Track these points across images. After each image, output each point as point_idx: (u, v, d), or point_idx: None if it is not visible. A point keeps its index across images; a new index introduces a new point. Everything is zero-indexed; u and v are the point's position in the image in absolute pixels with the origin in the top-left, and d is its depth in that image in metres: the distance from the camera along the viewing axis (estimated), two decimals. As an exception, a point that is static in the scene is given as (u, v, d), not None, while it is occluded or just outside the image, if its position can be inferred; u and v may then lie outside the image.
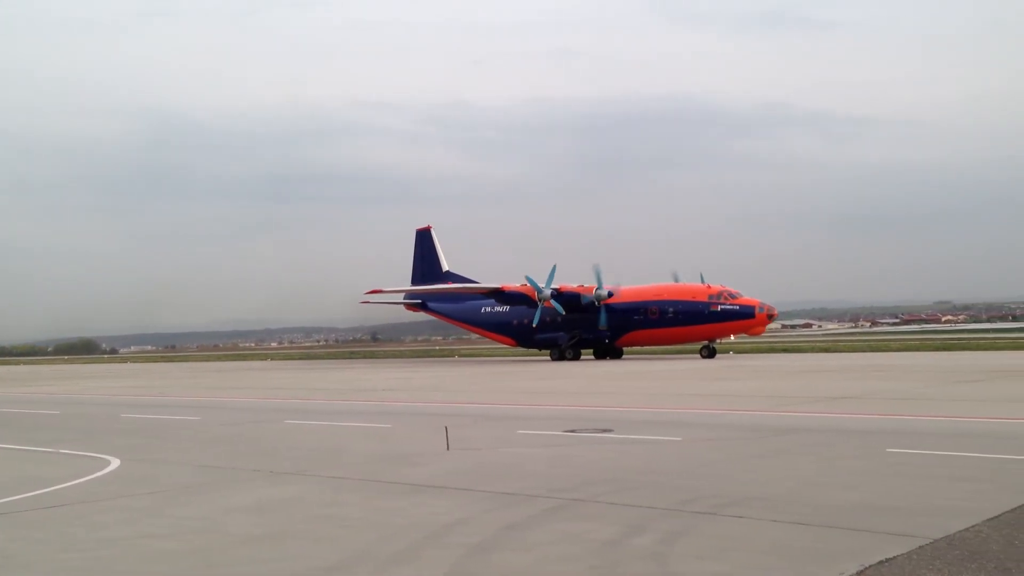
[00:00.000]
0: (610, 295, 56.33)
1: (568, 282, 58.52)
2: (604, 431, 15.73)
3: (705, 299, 54.68)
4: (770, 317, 56.25)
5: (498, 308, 63.16)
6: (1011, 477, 10.02)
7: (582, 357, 58.29)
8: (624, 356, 59.18)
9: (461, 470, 11.83)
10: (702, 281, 57.00)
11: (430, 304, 69.26)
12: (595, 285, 56.64)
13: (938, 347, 57.56)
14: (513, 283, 59.07)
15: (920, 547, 7.03)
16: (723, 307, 54.17)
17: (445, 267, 69.25)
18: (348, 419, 20.01)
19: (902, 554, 6.83)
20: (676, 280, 58.30)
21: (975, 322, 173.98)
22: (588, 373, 39.75)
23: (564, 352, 57.44)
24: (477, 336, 73.08)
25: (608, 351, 58.73)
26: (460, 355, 78.51)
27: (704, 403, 21.55)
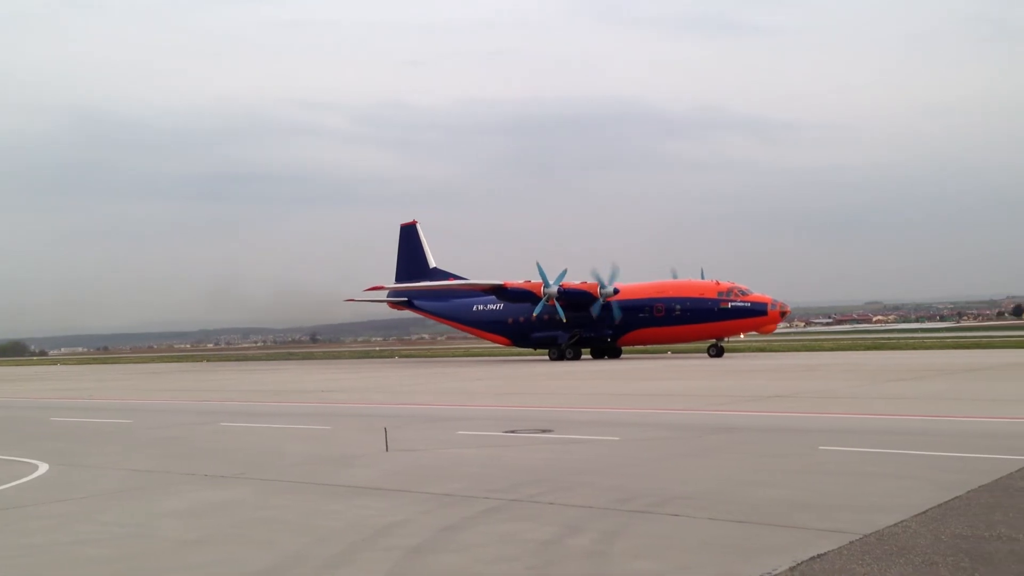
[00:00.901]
0: (616, 292, 53.85)
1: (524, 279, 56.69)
2: (544, 431, 15.77)
3: (714, 296, 52.20)
4: (783, 314, 54.19)
5: (491, 306, 60.09)
6: (938, 473, 10.28)
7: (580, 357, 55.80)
8: (626, 356, 56.96)
9: (399, 471, 11.76)
10: (702, 277, 55.04)
11: (416, 302, 66.12)
12: (597, 283, 53.96)
13: (869, 347, 58.91)
14: (511, 280, 55.91)
15: (850, 543, 7.17)
16: (734, 304, 51.67)
17: (432, 264, 65.79)
18: (285, 421, 19.76)
19: (833, 550, 6.96)
20: (675, 276, 56.11)
21: (904, 322, 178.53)
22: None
23: (564, 351, 54.74)
24: (466, 335, 69.74)
25: (607, 350, 56.44)
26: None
27: (643, 403, 21.75)
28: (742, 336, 59.99)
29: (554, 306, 53.58)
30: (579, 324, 54.52)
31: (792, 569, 6.50)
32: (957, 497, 8.79)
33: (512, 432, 15.78)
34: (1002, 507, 8.27)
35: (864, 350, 54.87)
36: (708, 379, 30.78)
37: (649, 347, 59.62)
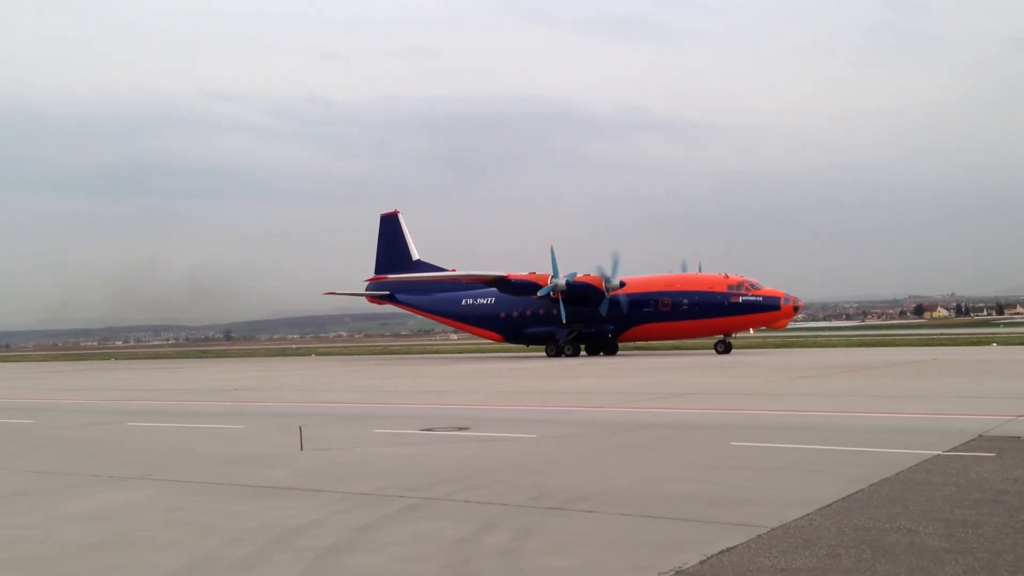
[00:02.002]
0: (621, 285, 51.71)
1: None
2: (461, 429, 15.75)
3: (724, 290, 50.11)
4: (796, 309, 52.25)
5: (481, 300, 57.66)
6: (844, 467, 10.60)
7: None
8: (625, 353, 55.00)
9: (314, 471, 11.61)
10: (700, 270, 53.53)
11: (400, 296, 63.22)
12: (601, 276, 51.41)
13: (778, 344, 60.49)
14: (513, 272, 53.30)
15: (759, 536, 7.34)
16: (744, 298, 49.56)
17: (415, 256, 62.94)
18: (197, 420, 19.31)
19: (742, 543, 7.12)
20: (684, 269, 54.03)
21: (812, 320, 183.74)
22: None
23: (563, 348, 52.71)
24: (454, 331, 67.96)
25: (603, 347, 54.49)
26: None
27: (562, 400, 21.90)
28: (751, 332, 58.01)
29: (557, 300, 51.21)
30: (579, 319, 52.35)
31: (702, 563, 6.62)
32: (860, 490, 9.07)
33: (429, 430, 15.73)
34: (902, 500, 8.57)
35: (774, 348, 56.30)
36: (617, 377, 31.19)
37: (651, 344, 57.40)
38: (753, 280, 50.45)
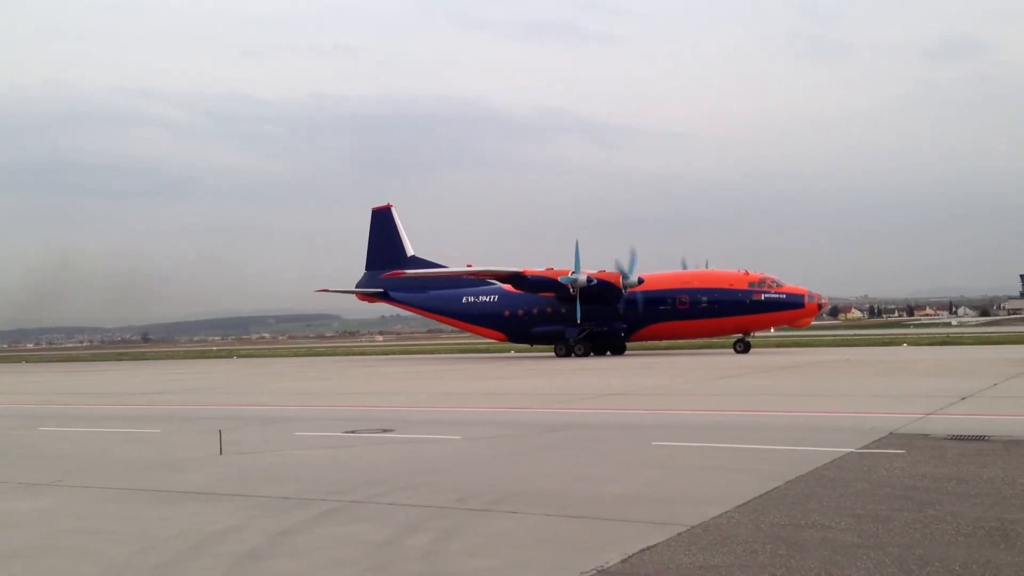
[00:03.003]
0: (640, 282, 49.77)
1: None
2: (385, 431, 15.64)
3: (745, 287, 48.37)
4: (819, 307, 50.51)
5: (483, 297, 55.41)
6: (761, 465, 10.83)
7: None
8: (637, 353, 53.10)
9: (234, 475, 11.40)
10: (706, 267, 52.11)
11: (394, 294, 60.07)
12: (619, 272, 49.43)
13: (699, 346, 61.53)
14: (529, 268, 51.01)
15: (679, 534, 7.46)
16: (767, 296, 47.83)
17: (410, 252, 60.29)
18: (112, 424, 18.77)
19: (662, 541, 7.22)
20: (684, 267, 52.59)
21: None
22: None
23: (573, 347, 50.47)
24: (455, 329, 64.22)
25: (610, 346, 52.33)
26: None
27: (487, 401, 21.92)
28: (771, 330, 56.69)
29: (574, 297, 49.16)
30: (590, 317, 50.17)
31: (623, 562, 6.69)
32: (777, 488, 9.28)
33: (352, 432, 15.58)
34: (816, 496, 8.79)
35: (696, 349, 57.26)
36: (542, 378, 31.36)
37: (669, 344, 55.64)
38: (774, 276, 48.88)
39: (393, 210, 61.39)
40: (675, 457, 11.82)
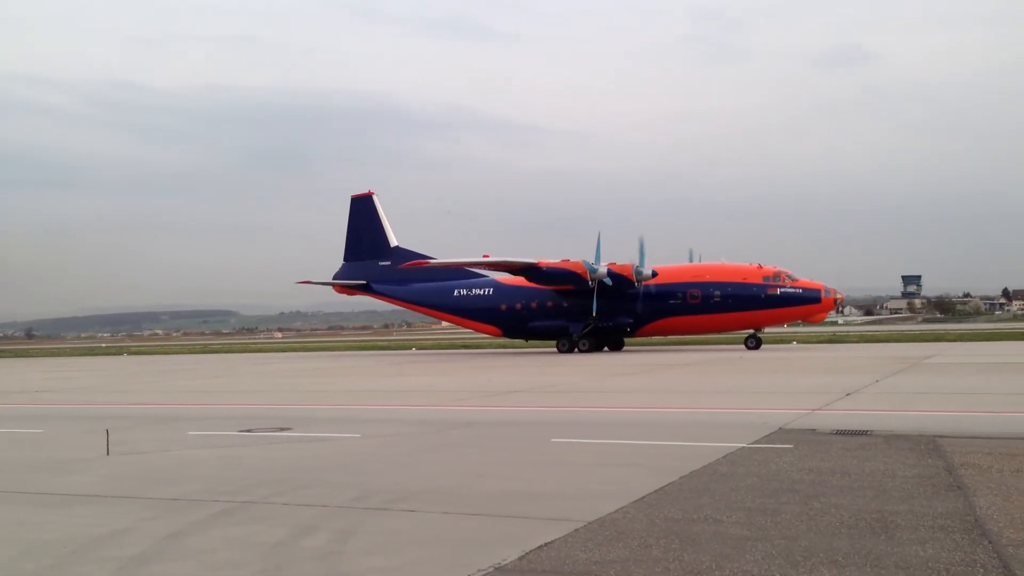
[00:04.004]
0: (654, 275, 47.86)
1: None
2: (282, 430, 15.36)
3: (759, 281, 46.67)
4: (836, 302, 49.15)
5: (476, 290, 52.81)
6: (657, 460, 11.04)
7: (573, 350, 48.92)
8: (635, 348, 51.07)
9: (122, 476, 11.01)
10: (691, 259, 50.89)
11: (376, 286, 56.64)
12: (631, 264, 47.38)
13: (702, 341, 61.91)
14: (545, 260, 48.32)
15: (575, 530, 7.53)
16: (783, 290, 46.22)
17: (394, 242, 56.79)
18: (-9, 425, 17.91)
19: (559, 538, 7.28)
20: (691, 259, 50.73)
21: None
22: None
23: (577, 343, 48.56)
24: (448, 324, 60.59)
25: (608, 342, 50.35)
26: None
27: (387, 399, 21.74)
28: (784, 326, 54.14)
29: (591, 291, 47.08)
30: (593, 311, 48.12)
31: (521, 558, 6.73)
32: (671, 483, 9.48)
33: (248, 431, 15.24)
34: (709, 491, 9.01)
35: (699, 346, 57.88)
36: (441, 376, 31.32)
37: (677, 339, 53.66)
38: (788, 271, 47.36)
39: (375, 198, 58.09)
40: (574, 454, 11.95)
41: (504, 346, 59.68)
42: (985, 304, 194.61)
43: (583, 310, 48.47)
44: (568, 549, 6.96)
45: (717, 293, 47.07)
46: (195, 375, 36.49)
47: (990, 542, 6.83)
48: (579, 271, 47.00)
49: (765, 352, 43.07)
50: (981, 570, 6.17)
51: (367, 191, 58.35)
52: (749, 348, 45.82)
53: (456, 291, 53.75)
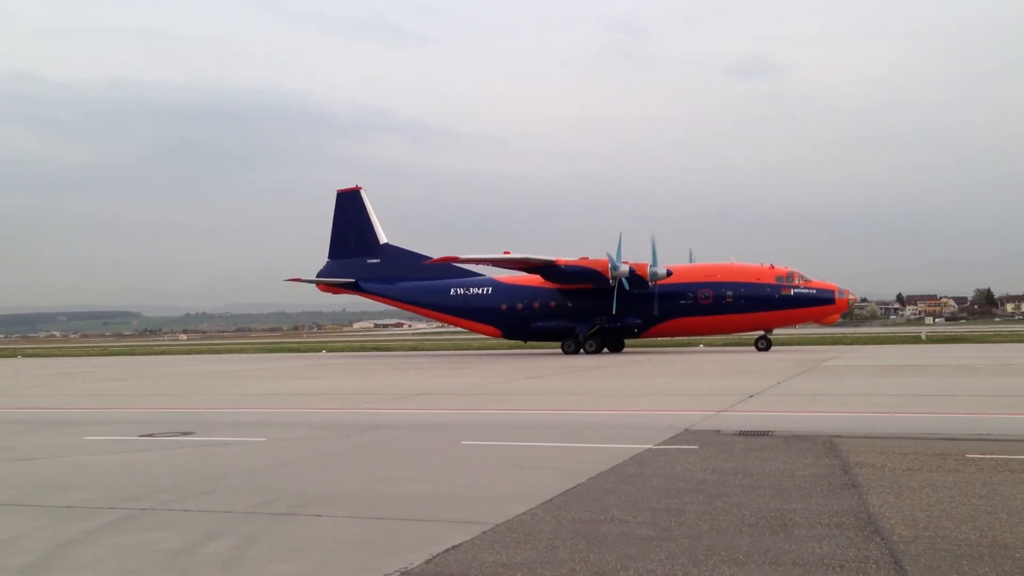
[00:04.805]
0: (669, 274, 46.79)
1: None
2: (185, 434, 14.97)
3: (772, 281, 45.96)
4: (849, 303, 48.55)
5: (475, 289, 51.05)
6: (566, 462, 11.12)
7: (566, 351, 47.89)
8: (634, 350, 49.89)
9: (12, 484, 10.56)
10: (691, 259, 49.92)
11: (365, 284, 54.67)
12: (647, 263, 46.30)
13: (455, 346, 62.47)
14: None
15: (483, 533, 7.53)
16: (796, 291, 45.60)
17: (383, 239, 54.92)
18: None
19: (467, 541, 7.27)
20: (691, 260, 49.81)
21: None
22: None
23: (583, 344, 47.19)
24: (438, 324, 58.75)
25: (608, 343, 48.87)
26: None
27: (294, 402, 21.40)
28: (795, 327, 52.87)
29: (611, 290, 45.81)
30: (601, 312, 47.12)
31: (427, 562, 6.70)
32: (579, 484, 9.56)
33: (148, 436, 14.81)
34: (616, 492, 9.12)
35: (506, 351, 58.24)
36: (352, 379, 31.00)
37: (684, 340, 52.75)
38: (800, 271, 46.83)
39: (363, 193, 56.01)
40: (483, 456, 11.96)
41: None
42: (881, 309, 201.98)
43: (590, 310, 47.45)
44: (475, 552, 6.95)
45: (729, 293, 46.26)
46: (94, 378, 35.29)
47: (882, 538, 7.09)
48: (601, 269, 45.76)
49: (672, 355, 43.85)
50: (874, 566, 6.39)
51: (354, 186, 56.44)
52: (760, 350, 45.22)
53: (453, 290, 52.05)
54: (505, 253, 46.96)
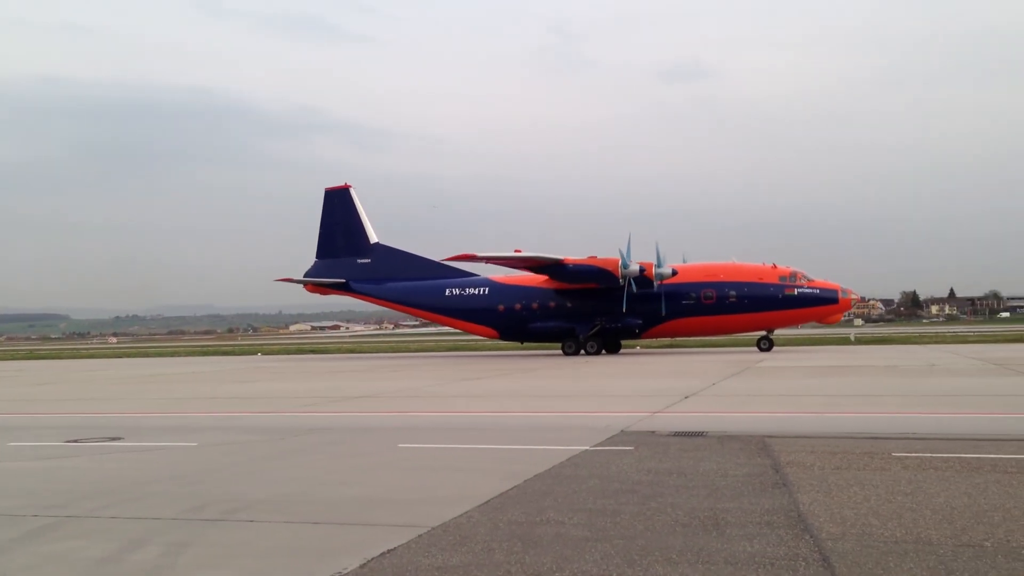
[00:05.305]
0: (674, 273, 46.03)
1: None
2: (113, 439, 14.61)
3: (775, 281, 45.62)
4: (852, 303, 48.65)
5: (471, 290, 49.89)
6: (503, 464, 11.12)
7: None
8: (639, 350, 49.38)
9: (-70, 492, 10.19)
10: (684, 262, 48.84)
11: (356, 285, 53.17)
12: (652, 263, 45.55)
13: (450, 348, 62.58)
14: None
15: (419, 536, 7.49)
16: (800, 291, 45.31)
17: (374, 238, 53.48)
18: None
19: (402, 544, 7.22)
20: (684, 261, 48.68)
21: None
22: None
23: (584, 344, 46.51)
24: (438, 325, 56.48)
25: (605, 344, 47.84)
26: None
27: (227, 406, 21.04)
28: (798, 327, 52.24)
29: (622, 287, 44.87)
30: (601, 312, 46.62)
31: (362, 567, 6.63)
32: (516, 486, 9.56)
33: (75, 442, 14.41)
34: (552, 494, 9.14)
35: (446, 350, 58.10)
36: (292, 381, 30.64)
37: (685, 341, 52.04)
38: (803, 271, 46.54)
39: (352, 191, 54.46)
40: (420, 459, 11.89)
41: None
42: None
43: (591, 310, 46.90)
44: (411, 555, 6.91)
45: (732, 293, 45.87)
46: (18, 382, 34.26)
47: (811, 536, 7.22)
48: (611, 268, 45.06)
49: (610, 357, 44.16)
50: (803, 563, 6.51)
51: (343, 184, 54.82)
52: (762, 350, 45.03)
53: (448, 290, 50.87)
54: (516, 251, 46.25)
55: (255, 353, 65.28)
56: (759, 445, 12.14)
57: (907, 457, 10.87)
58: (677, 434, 13.48)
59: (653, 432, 13.78)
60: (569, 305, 47.44)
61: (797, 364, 32.57)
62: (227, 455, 12.72)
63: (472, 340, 64.43)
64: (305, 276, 54.61)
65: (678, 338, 50.05)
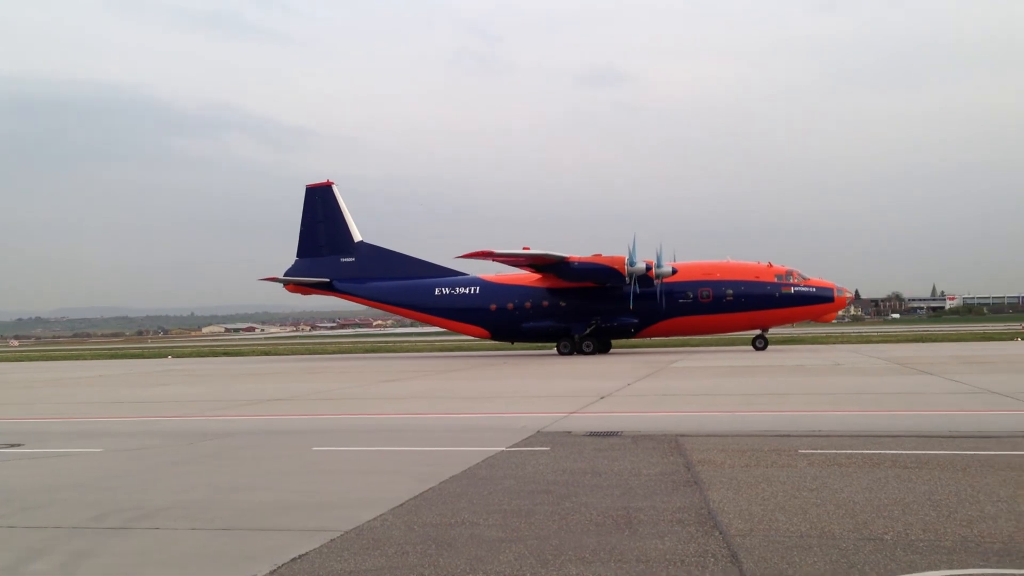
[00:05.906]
0: (674, 272, 45.35)
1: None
2: (12, 446, 14.06)
3: (772, 279, 45.31)
4: (848, 301, 48.69)
5: (461, 289, 48.74)
6: (418, 467, 11.06)
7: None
8: (620, 351, 47.92)
9: None
10: (675, 259, 47.59)
11: (340, 285, 51.66)
12: (653, 260, 44.90)
13: (368, 349, 62.08)
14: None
15: (332, 540, 7.40)
16: (797, 289, 45.06)
17: (358, 236, 51.96)
18: None
19: (314, 549, 7.12)
20: (674, 259, 47.11)
21: (400, 326, 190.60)
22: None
23: (580, 344, 45.70)
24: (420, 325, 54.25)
25: (601, 344, 47.15)
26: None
27: (134, 411, 20.44)
28: (791, 326, 51.96)
29: (629, 285, 44.23)
30: (598, 311, 45.96)
31: (272, 573, 6.52)
32: (431, 488, 9.53)
33: (-29, 449, 13.82)
34: (467, 495, 9.14)
35: (363, 352, 57.58)
36: (205, 385, 29.97)
37: (680, 339, 50.91)
38: (799, 269, 46.40)
39: (335, 188, 52.78)
40: (334, 462, 11.76)
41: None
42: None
43: (587, 310, 46.38)
44: (323, 560, 6.82)
45: (729, 292, 45.56)
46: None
47: (721, 533, 7.37)
48: (617, 266, 44.31)
49: (528, 359, 44.36)
50: (712, 559, 6.64)
51: (325, 181, 53.04)
52: (757, 349, 44.84)
53: (438, 290, 49.71)
54: (524, 249, 44.85)
55: (165, 356, 63.61)
56: (672, 444, 12.34)
57: (812, 454, 11.19)
58: (592, 434, 13.61)
59: (569, 432, 13.88)
60: (563, 304, 46.91)
61: (708, 364, 33.23)
62: (133, 461, 12.37)
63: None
64: (286, 275, 53.30)
65: (672, 337, 49.89)
